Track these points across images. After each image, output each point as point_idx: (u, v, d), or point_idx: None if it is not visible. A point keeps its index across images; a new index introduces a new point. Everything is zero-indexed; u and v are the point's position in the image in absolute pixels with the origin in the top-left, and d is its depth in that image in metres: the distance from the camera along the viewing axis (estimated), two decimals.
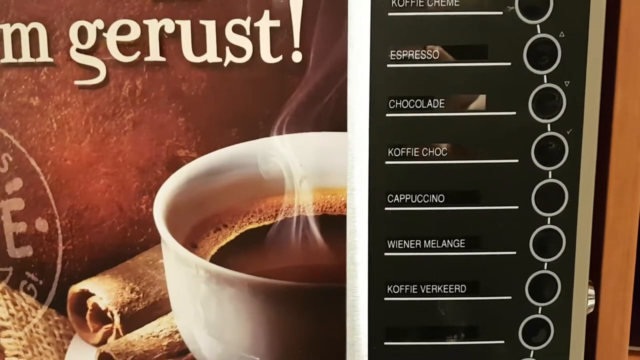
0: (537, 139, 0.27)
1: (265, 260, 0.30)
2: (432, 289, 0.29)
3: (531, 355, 0.30)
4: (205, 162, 0.29)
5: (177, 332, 0.31)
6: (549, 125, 0.27)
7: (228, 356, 0.30)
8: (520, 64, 0.27)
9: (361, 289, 0.29)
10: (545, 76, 0.27)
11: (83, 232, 0.30)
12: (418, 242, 0.29)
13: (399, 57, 0.27)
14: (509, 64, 0.27)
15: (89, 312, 0.31)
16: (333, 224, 0.30)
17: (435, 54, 0.27)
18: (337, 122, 0.28)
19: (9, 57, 0.29)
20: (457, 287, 0.29)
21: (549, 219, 0.28)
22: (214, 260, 0.30)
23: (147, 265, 0.30)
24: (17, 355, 0.33)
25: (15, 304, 0.32)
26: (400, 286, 0.29)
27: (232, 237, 0.30)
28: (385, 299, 0.29)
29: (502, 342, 0.30)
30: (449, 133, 0.28)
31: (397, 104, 0.27)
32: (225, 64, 0.28)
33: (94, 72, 0.28)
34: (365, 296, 0.29)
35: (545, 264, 0.29)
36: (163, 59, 0.28)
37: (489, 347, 0.30)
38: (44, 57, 0.28)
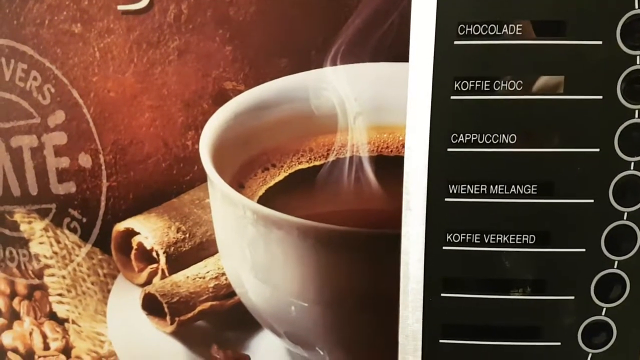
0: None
1: (315, 203, 0.28)
2: (497, 238, 0.27)
3: (603, 313, 0.27)
4: (253, 96, 0.27)
5: (223, 274, 0.30)
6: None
7: (275, 300, 0.29)
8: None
9: (418, 236, 0.27)
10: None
11: (128, 168, 0.29)
12: (483, 187, 0.26)
13: None
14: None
15: (133, 252, 0.31)
16: (389, 165, 0.28)
17: None
18: (398, 51, 0.25)
19: None
20: (525, 237, 0.27)
21: (632, 164, 0.26)
22: (262, 201, 0.28)
23: (193, 204, 0.29)
24: (60, 294, 0.33)
25: (58, 242, 0.32)
26: (462, 235, 0.27)
27: (281, 177, 0.29)
28: (444, 247, 0.27)
29: (572, 297, 0.27)
30: (523, 65, 0.25)
31: (467, 29, 0.24)
32: None
33: None
34: (422, 244, 0.27)
35: (625, 214, 0.26)
36: None
37: (557, 303, 0.27)
38: None
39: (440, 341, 0.28)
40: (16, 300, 0.35)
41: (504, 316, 0.28)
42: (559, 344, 0.28)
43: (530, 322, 0.28)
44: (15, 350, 0.36)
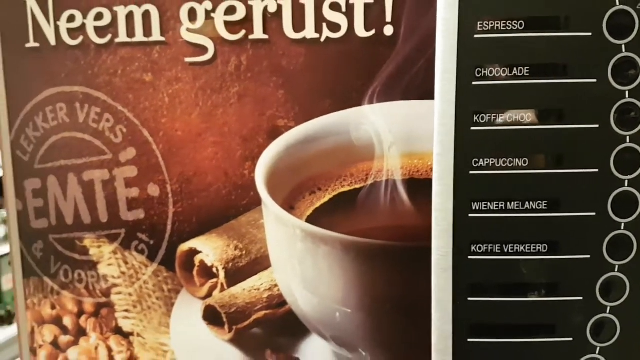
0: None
1: (356, 221, 0.32)
2: (515, 248, 0.31)
3: (608, 311, 0.31)
4: (302, 131, 0.32)
5: (276, 285, 0.34)
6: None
7: (322, 308, 0.33)
8: (600, 34, 0.28)
9: (446, 248, 0.31)
10: (623, 46, 0.28)
11: (192, 196, 0.33)
12: (502, 204, 0.30)
13: (485, 28, 0.28)
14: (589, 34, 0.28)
15: (196, 268, 0.35)
16: (420, 186, 0.32)
17: (521, 25, 0.28)
18: (425, 91, 0.29)
19: (123, 37, 0.32)
20: (538, 246, 0.31)
21: (626, 181, 0.30)
22: (309, 220, 0.32)
23: (249, 225, 0.33)
24: (126, 310, 0.37)
25: (126, 263, 0.36)
26: (484, 245, 0.31)
27: (326, 199, 0.33)
28: (469, 257, 0.31)
29: (581, 298, 0.31)
30: (532, 99, 0.29)
31: (483, 72, 0.29)
32: (322, 40, 0.30)
33: (203, 49, 0.31)
34: (450, 255, 0.32)
35: (622, 225, 0.31)
36: (266, 37, 0.30)
37: (568, 303, 0.32)
38: (156, 36, 0.32)
39: (469, 340, 0.32)
40: (83, 318, 0.39)
41: (523, 316, 0.32)
42: (570, 339, 0.32)
43: (545, 320, 0.32)
44: None
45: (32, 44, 0.34)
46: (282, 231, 0.33)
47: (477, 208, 0.31)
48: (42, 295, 0.39)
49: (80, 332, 0.38)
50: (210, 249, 0.34)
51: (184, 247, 0.34)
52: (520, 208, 0.31)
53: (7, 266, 2.08)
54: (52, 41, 0.33)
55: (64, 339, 0.39)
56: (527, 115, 0.30)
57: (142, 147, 0.33)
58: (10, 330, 2.00)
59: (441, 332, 0.32)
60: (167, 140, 0.33)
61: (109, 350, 0.37)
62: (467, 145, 0.30)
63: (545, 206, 0.31)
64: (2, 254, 2.02)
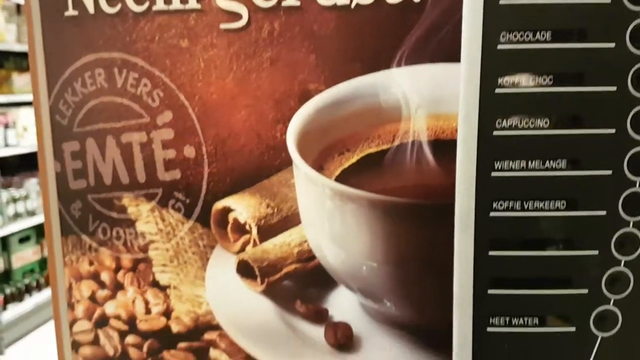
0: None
1: (382, 180, 0.34)
2: (535, 205, 0.33)
3: (622, 265, 0.33)
4: (331, 94, 0.33)
5: (305, 241, 0.36)
6: None
7: (350, 262, 0.35)
8: (619, 1, 0.29)
9: (469, 205, 0.33)
10: None
11: (226, 157, 0.35)
12: (523, 162, 0.32)
13: None
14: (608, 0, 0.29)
15: (229, 225, 0.37)
16: (445, 147, 0.33)
17: None
18: (451, 54, 0.31)
19: (160, 5, 0.33)
20: (557, 203, 0.33)
21: None
22: (338, 180, 0.34)
23: (280, 185, 0.35)
24: (163, 265, 0.39)
25: (163, 220, 0.38)
26: (505, 203, 0.33)
27: (354, 160, 0.34)
28: (491, 214, 0.33)
29: (596, 252, 0.33)
30: (553, 63, 0.31)
31: (508, 36, 0.30)
32: (353, 6, 0.31)
33: (237, 16, 0.32)
34: (472, 212, 0.33)
35: (637, 183, 0.32)
36: (298, 4, 0.31)
37: (584, 257, 0.33)
38: (192, 4, 0.33)
39: (489, 292, 0.34)
40: (120, 273, 0.41)
41: (540, 270, 0.34)
42: (586, 291, 0.34)
43: (562, 274, 0.34)
44: (117, 317, 0.41)
45: (70, 12, 0.35)
46: (312, 190, 0.34)
47: (500, 167, 0.32)
48: (80, 253, 0.41)
49: (118, 287, 0.40)
50: (243, 207, 0.36)
51: (218, 205, 0.36)
52: (541, 167, 0.32)
53: (17, 244, 2.12)
54: (91, 9, 0.34)
55: (101, 293, 0.41)
56: (549, 78, 0.31)
57: (178, 110, 0.35)
58: (20, 307, 2.05)
59: (462, 285, 0.34)
60: (202, 103, 0.34)
61: (146, 302, 0.40)
62: (491, 107, 0.32)
63: (564, 165, 0.32)
64: (11, 233, 2.06)
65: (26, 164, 2.27)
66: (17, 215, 2.14)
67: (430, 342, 0.35)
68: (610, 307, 0.34)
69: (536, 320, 0.34)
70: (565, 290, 0.34)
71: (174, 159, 0.36)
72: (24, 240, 2.16)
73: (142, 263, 0.39)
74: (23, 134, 2.23)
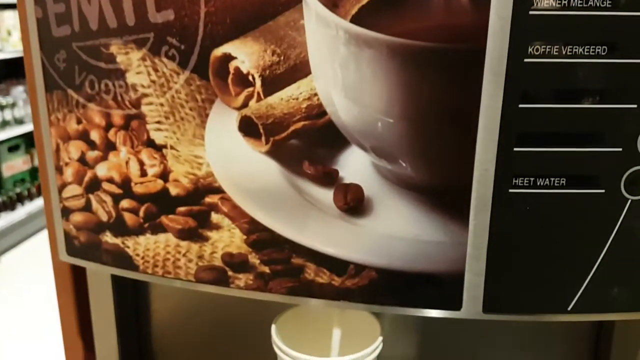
0: None
1: (404, 19, 0.30)
2: (574, 50, 0.29)
3: None
4: None
5: (315, 94, 0.32)
6: None
7: (363, 118, 0.32)
8: None
9: (501, 49, 0.30)
10: None
11: None
12: (564, 0, 0.28)
13: None
14: None
15: (230, 76, 0.33)
16: None
17: None
18: None
19: None
20: (597, 48, 0.29)
21: None
22: (354, 20, 0.30)
23: (288, 27, 0.31)
24: (158, 122, 0.35)
25: (156, 70, 0.34)
26: (542, 47, 0.29)
27: None
28: (526, 60, 0.30)
29: (635, 105, 0.30)
30: None
31: None
32: None
33: None
34: (504, 58, 0.30)
35: None
36: None
37: (621, 110, 0.30)
38: None
39: (515, 149, 0.31)
40: (112, 131, 0.37)
41: (573, 124, 0.31)
42: (620, 149, 0.31)
43: (596, 129, 0.31)
44: (110, 180, 0.38)
45: None
46: (323, 33, 0.31)
47: (539, 5, 0.29)
48: (66, 110, 0.38)
49: (109, 147, 0.37)
50: (245, 54, 0.32)
51: (218, 52, 0.32)
52: (584, 5, 0.28)
53: (7, 153, 2.07)
54: None
55: (91, 154, 0.38)
56: None
57: None
58: (12, 216, 2.04)
59: (487, 141, 0.31)
60: None
61: (141, 164, 0.37)
62: None
63: (609, 3, 0.29)
64: (1, 140, 2.01)
65: (12, 71, 2.18)
66: (5, 123, 2.08)
67: (446, 204, 0.33)
68: None
69: (563, 181, 0.32)
70: (598, 147, 0.31)
71: None
72: (13, 149, 2.12)
73: (135, 120, 0.36)
74: (8, 38, 2.13)
